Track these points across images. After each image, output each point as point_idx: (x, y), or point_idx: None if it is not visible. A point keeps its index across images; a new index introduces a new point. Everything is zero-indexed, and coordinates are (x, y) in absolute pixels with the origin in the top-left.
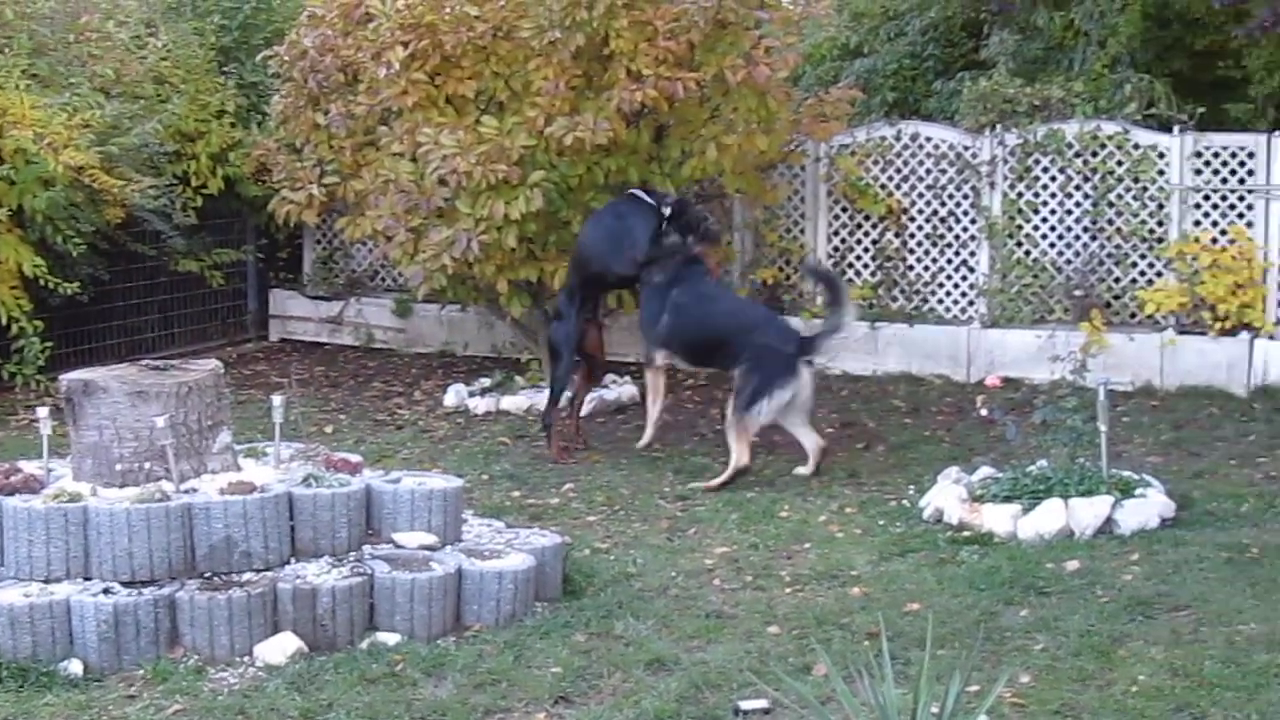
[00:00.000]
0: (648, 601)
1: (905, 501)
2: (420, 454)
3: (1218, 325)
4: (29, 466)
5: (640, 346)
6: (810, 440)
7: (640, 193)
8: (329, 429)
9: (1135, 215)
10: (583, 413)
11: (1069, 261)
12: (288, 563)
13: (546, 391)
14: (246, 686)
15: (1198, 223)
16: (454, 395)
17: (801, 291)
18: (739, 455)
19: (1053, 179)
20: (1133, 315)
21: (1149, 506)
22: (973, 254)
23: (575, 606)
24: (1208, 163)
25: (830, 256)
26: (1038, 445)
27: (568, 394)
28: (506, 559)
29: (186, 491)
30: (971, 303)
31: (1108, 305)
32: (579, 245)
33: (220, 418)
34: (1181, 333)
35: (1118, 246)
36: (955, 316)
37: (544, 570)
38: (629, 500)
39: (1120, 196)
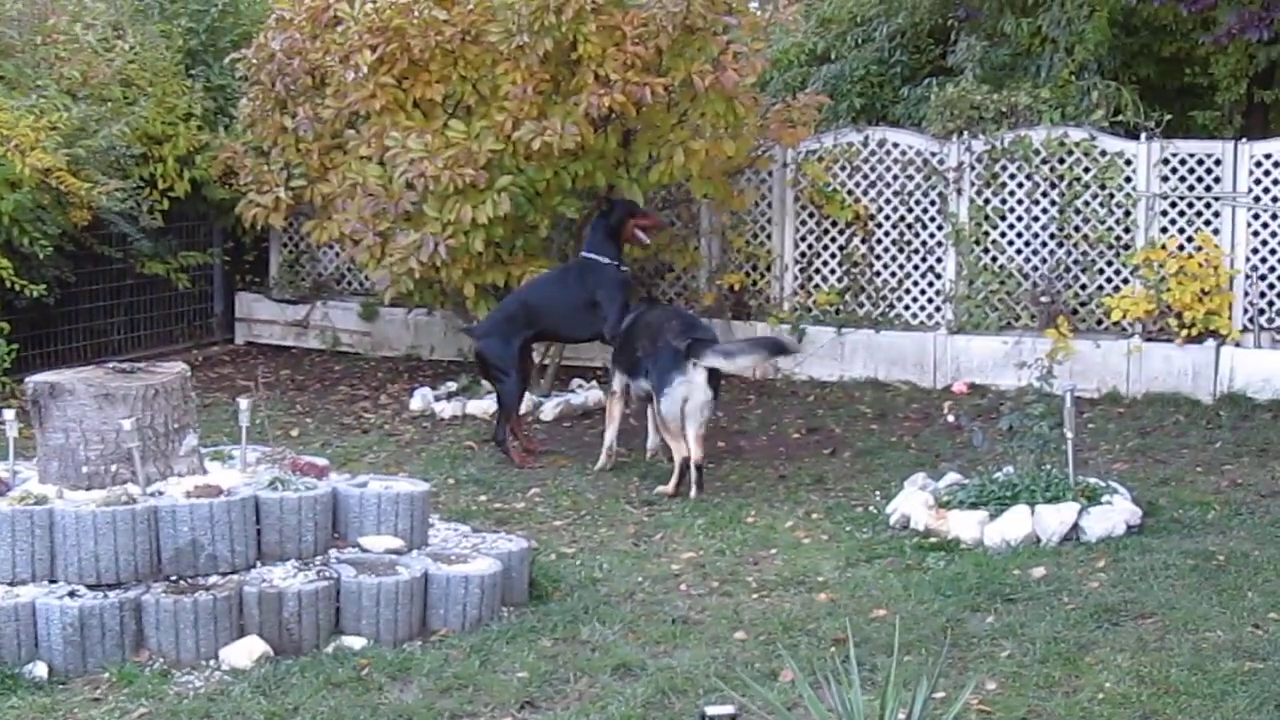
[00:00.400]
0: (614, 607)
1: (872, 508)
2: (386, 458)
3: (1184, 332)
4: None
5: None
6: (682, 450)
7: (602, 258)
8: (295, 432)
9: (1102, 222)
10: (549, 417)
11: (1036, 268)
12: (254, 566)
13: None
14: (212, 690)
15: (1164, 229)
16: (420, 399)
17: (769, 296)
18: (677, 450)
19: (1020, 185)
20: (1099, 322)
21: (1115, 513)
22: (939, 260)
23: (541, 611)
24: (1174, 169)
25: (797, 262)
26: (1004, 452)
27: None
28: (473, 563)
29: (153, 494)
30: (938, 309)
31: (1074, 312)
32: (535, 298)
33: (186, 421)
34: (1148, 340)
35: (1084, 253)
36: (922, 323)
37: (510, 575)
38: (595, 505)
39: (1087, 203)
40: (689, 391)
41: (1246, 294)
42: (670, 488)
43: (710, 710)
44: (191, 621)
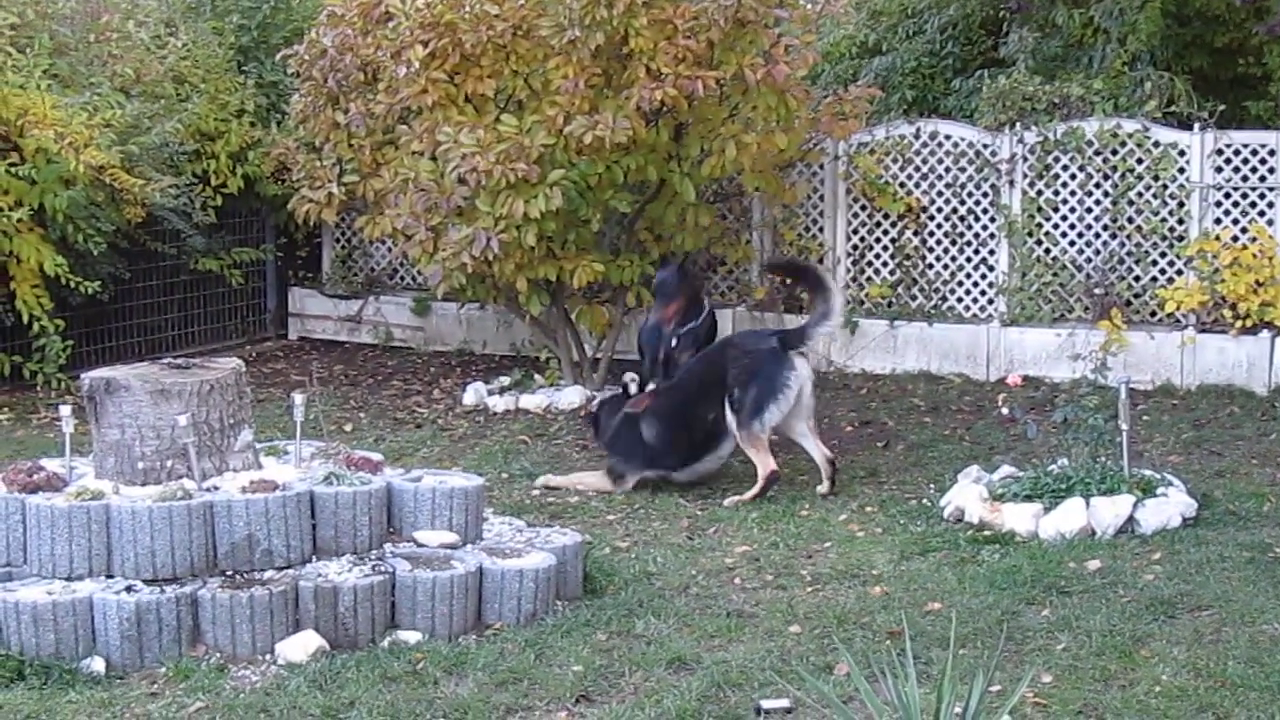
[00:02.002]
0: (668, 600)
1: (925, 500)
2: (440, 452)
3: (1238, 324)
4: (51, 465)
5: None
6: (817, 452)
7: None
8: (348, 427)
9: (1155, 213)
10: None
11: (1089, 260)
12: (309, 561)
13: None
14: (268, 684)
15: (1218, 220)
16: (473, 394)
17: None
18: (763, 464)
19: (1072, 177)
20: (1153, 314)
21: (1170, 506)
22: (992, 252)
23: (596, 605)
24: (1228, 160)
25: (849, 255)
26: (1058, 444)
27: None
28: (527, 558)
29: (208, 490)
30: (991, 301)
31: (1128, 304)
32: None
33: (241, 416)
34: (1201, 331)
35: (1138, 245)
36: (974, 315)
37: (564, 569)
38: (649, 499)
39: (1140, 194)
40: (800, 384)
41: None
42: (749, 496)
43: (766, 703)
44: (248, 616)
